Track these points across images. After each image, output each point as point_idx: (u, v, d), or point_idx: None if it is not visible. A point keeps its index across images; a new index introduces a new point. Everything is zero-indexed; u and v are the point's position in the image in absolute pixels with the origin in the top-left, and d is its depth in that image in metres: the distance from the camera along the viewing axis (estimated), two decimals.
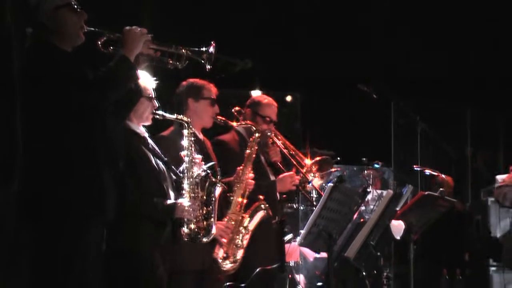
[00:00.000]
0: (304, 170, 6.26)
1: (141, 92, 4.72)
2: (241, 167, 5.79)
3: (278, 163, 6.29)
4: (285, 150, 6.29)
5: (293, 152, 6.34)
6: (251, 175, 5.80)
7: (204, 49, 4.81)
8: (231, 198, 5.74)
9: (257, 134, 5.91)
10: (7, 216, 3.77)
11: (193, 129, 5.23)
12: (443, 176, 8.65)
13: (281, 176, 6.10)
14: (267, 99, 6.32)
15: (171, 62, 4.71)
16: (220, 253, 5.60)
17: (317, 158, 6.43)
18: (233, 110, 6.26)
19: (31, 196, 4.06)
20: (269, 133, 6.19)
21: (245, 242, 5.71)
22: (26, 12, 4.23)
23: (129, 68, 4.36)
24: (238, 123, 6.02)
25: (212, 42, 4.82)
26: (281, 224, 6.00)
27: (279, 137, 6.36)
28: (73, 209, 4.14)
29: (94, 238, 4.26)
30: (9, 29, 3.44)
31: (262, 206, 5.79)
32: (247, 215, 5.76)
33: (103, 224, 4.36)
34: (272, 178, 6.23)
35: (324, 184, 6.36)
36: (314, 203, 7.04)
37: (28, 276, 4.05)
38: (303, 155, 6.44)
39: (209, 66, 4.85)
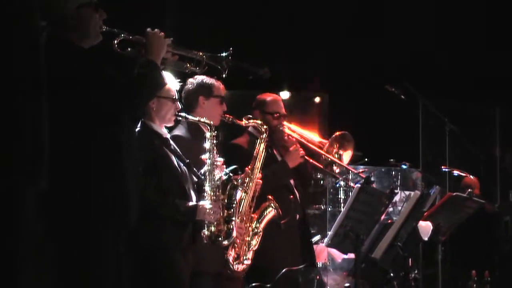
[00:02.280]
0: (324, 151, 6.20)
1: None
2: (249, 167, 5.74)
3: (306, 158, 6.26)
4: (303, 140, 6.25)
5: (309, 139, 6.30)
6: (259, 175, 5.76)
7: (223, 55, 4.79)
8: (243, 198, 5.66)
9: (264, 135, 5.83)
10: (32, 217, 3.80)
11: (216, 131, 5.21)
12: (470, 177, 8.61)
13: (287, 153, 6.06)
14: (270, 96, 6.27)
15: (189, 66, 4.68)
16: (231, 254, 5.57)
17: (335, 134, 6.35)
18: (249, 116, 6.22)
19: (54, 199, 4.01)
20: (281, 128, 6.16)
21: (254, 242, 5.68)
22: (41, 6, 4.22)
23: (159, 75, 4.32)
24: (246, 122, 5.93)
25: (230, 49, 4.79)
26: (303, 221, 6.02)
27: (293, 129, 6.31)
28: (95, 215, 4.11)
29: (116, 243, 4.22)
30: (38, 30, 3.45)
31: (272, 205, 5.75)
32: (256, 215, 5.72)
33: (125, 230, 4.31)
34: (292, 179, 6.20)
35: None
36: (342, 204, 7.06)
37: (52, 278, 4.02)
38: (323, 139, 6.42)
39: (225, 74, 4.82)
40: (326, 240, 5.91)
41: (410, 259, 5.93)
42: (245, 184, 5.66)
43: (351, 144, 6.34)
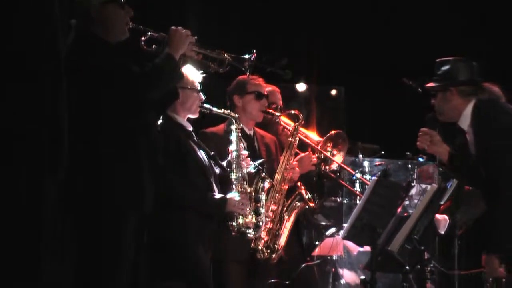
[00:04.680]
0: (319, 147, 6.23)
1: (178, 94, 4.74)
2: (283, 156, 5.81)
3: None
4: (300, 134, 6.26)
5: (304, 135, 6.31)
6: (295, 163, 5.80)
7: (246, 56, 4.89)
8: (271, 187, 5.73)
9: (298, 122, 5.90)
10: (52, 205, 3.85)
11: (241, 124, 5.31)
12: None
13: (298, 157, 6.08)
14: (269, 87, 6.29)
15: (212, 66, 4.81)
16: (260, 244, 5.63)
17: (331, 133, 6.38)
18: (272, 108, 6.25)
19: (72, 189, 4.13)
20: (277, 119, 6.17)
21: (285, 231, 5.74)
22: (71, 3, 4.29)
23: (175, 67, 4.44)
24: (283, 113, 6.04)
25: (254, 51, 4.90)
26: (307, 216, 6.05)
27: (290, 122, 6.30)
28: (110, 203, 4.21)
29: (130, 233, 4.30)
30: (56, 21, 3.50)
31: (303, 194, 5.82)
32: (287, 203, 5.79)
33: (142, 218, 4.40)
34: None
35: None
36: (359, 196, 7.05)
37: (70, 267, 4.14)
38: (320, 137, 6.43)
39: (248, 73, 4.96)
40: (342, 232, 5.96)
41: (426, 253, 5.88)
42: (277, 173, 5.73)
43: (345, 143, 6.36)
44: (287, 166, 5.80)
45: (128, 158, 4.28)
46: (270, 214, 5.67)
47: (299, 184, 5.87)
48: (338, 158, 6.29)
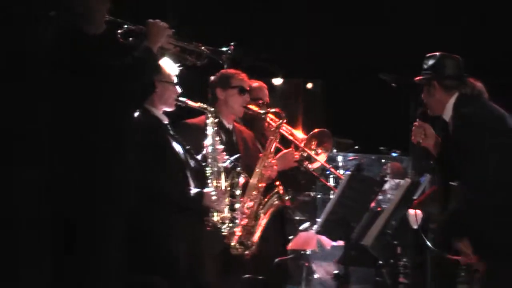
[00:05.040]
0: (302, 145, 6.25)
1: (155, 87, 4.73)
2: (263, 153, 5.83)
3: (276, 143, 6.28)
4: (282, 130, 6.28)
5: (289, 132, 6.33)
6: (274, 161, 5.82)
7: (224, 49, 4.89)
8: (249, 184, 5.74)
9: (282, 120, 5.92)
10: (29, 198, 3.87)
11: (217, 118, 5.32)
12: None
13: (281, 153, 6.08)
14: (256, 83, 6.33)
15: (190, 59, 4.81)
16: (234, 239, 5.62)
17: (314, 131, 6.41)
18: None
19: (51, 182, 4.14)
20: (263, 116, 6.17)
21: (259, 228, 5.75)
22: None
23: (153, 60, 4.45)
24: (267, 111, 6.04)
25: (231, 44, 4.91)
26: (282, 211, 6.06)
27: (276, 119, 6.33)
28: (88, 200, 4.21)
29: (111, 229, 4.32)
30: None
31: (279, 193, 5.83)
32: (265, 201, 5.79)
33: (122, 213, 4.41)
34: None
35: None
36: (332, 191, 7.07)
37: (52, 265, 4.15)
38: (304, 134, 6.45)
39: (225, 66, 5.00)
40: (316, 227, 5.96)
41: (399, 247, 5.96)
42: (255, 170, 5.74)
43: (330, 142, 6.40)
44: (266, 164, 5.79)
45: (109, 152, 4.29)
46: (246, 211, 5.67)
47: (277, 183, 5.86)
48: (322, 157, 6.31)
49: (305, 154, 6.21)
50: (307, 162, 6.25)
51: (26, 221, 3.96)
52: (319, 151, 6.35)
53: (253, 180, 5.76)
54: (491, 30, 9.65)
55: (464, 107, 5.23)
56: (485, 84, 5.64)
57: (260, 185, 5.78)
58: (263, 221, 5.77)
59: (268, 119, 6.15)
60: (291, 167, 6.14)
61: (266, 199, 5.81)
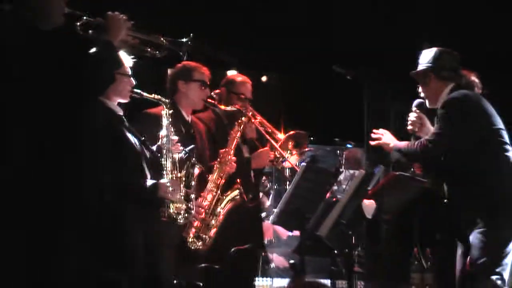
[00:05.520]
0: (278, 146, 6.33)
1: (113, 79, 4.68)
2: (224, 150, 5.89)
3: (254, 140, 6.36)
4: (261, 128, 6.35)
5: (270, 130, 6.40)
6: (233, 158, 5.89)
7: (184, 40, 4.93)
8: (208, 179, 5.82)
9: (243, 118, 6.02)
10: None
11: (171, 110, 5.31)
12: None
13: (256, 152, 6.17)
14: (241, 77, 6.44)
15: (149, 50, 4.83)
16: (191, 232, 5.70)
17: (291, 133, 6.51)
18: (212, 93, 6.29)
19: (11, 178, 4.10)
20: (243, 110, 6.23)
21: (217, 223, 5.81)
22: None
23: (115, 54, 4.46)
24: (226, 107, 6.09)
25: (191, 34, 4.93)
26: (257, 205, 6.10)
27: (255, 115, 6.44)
28: (60, 191, 4.21)
29: (75, 223, 4.32)
30: None
31: (238, 190, 5.90)
32: (224, 197, 5.86)
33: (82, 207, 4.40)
34: (247, 155, 6.33)
35: (298, 164, 6.43)
36: (288, 182, 7.13)
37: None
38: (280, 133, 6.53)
39: (184, 58, 5.03)
40: (272, 217, 6.00)
41: (354, 237, 5.97)
42: (215, 166, 5.80)
43: (306, 141, 6.57)
44: (226, 160, 5.86)
45: (67, 145, 4.27)
46: (204, 205, 5.73)
47: (238, 180, 5.92)
48: (294, 159, 6.42)
49: (278, 154, 6.30)
50: (280, 162, 6.39)
51: None
52: (294, 152, 6.47)
53: (212, 176, 5.82)
54: None
55: (453, 94, 5.59)
56: None
57: (219, 181, 5.83)
58: (220, 217, 5.83)
59: (249, 112, 6.26)
60: (265, 166, 6.30)
61: (225, 195, 5.87)
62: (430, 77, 5.72)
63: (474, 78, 5.92)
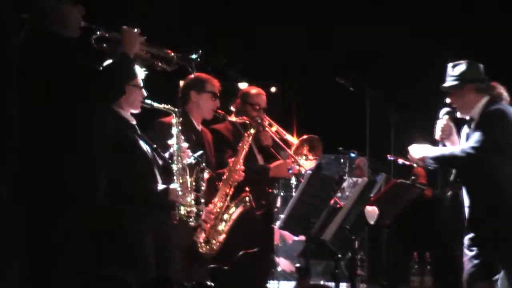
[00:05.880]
0: (292, 151, 6.49)
1: (125, 90, 4.72)
2: (233, 159, 6.03)
3: (270, 147, 6.56)
4: (276, 136, 6.56)
5: (284, 137, 6.60)
6: (242, 167, 6.03)
7: (193, 56, 5.04)
8: (219, 187, 5.96)
9: (252, 130, 6.18)
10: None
11: (181, 118, 5.43)
12: (417, 167, 8.83)
13: (277, 162, 6.38)
14: (255, 89, 6.66)
15: (160, 64, 4.94)
16: (201, 237, 5.80)
17: (304, 137, 6.67)
18: (231, 107, 6.52)
19: (26, 181, 4.21)
20: (258, 120, 6.44)
21: (226, 229, 5.92)
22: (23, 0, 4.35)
23: (132, 66, 4.59)
24: (236, 118, 6.29)
25: (200, 51, 5.05)
26: (267, 213, 6.31)
27: (272, 123, 6.65)
28: (64, 196, 4.29)
29: (81, 224, 4.38)
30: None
31: (247, 198, 6.01)
32: (233, 205, 5.99)
33: (93, 209, 4.46)
34: (261, 163, 6.51)
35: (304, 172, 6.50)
36: (294, 188, 7.26)
37: (23, 260, 4.19)
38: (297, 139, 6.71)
39: (193, 73, 5.12)
40: (278, 223, 6.06)
41: (356, 241, 6.03)
42: (225, 174, 5.92)
43: (320, 145, 6.68)
44: (233, 169, 6.02)
45: (83, 153, 4.37)
46: (215, 211, 5.88)
47: (247, 188, 6.05)
48: (310, 164, 6.59)
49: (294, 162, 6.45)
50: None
51: None
52: (310, 156, 6.66)
53: (222, 184, 5.98)
54: None
55: (493, 106, 5.79)
56: None
57: (228, 189, 6.00)
58: (230, 223, 5.96)
59: (265, 122, 6.48)
60: (284, 176, 6.50)
61: (234, 203, 6.01)
62: (467, 89, 5.90)
63: (502, 91, 6.10)
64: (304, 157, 6.64)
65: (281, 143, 6.60)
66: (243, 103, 6.60)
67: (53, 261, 4.25)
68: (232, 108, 6.52)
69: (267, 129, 6.58)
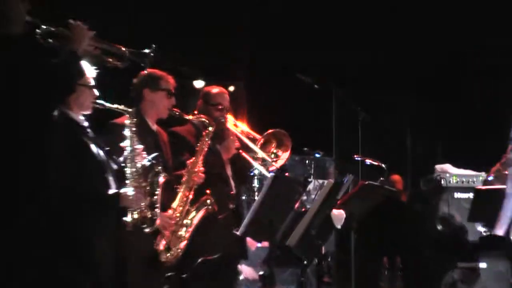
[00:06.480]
0: (259, 148, 6.37)
1: (73, 89, 4.62)
2: (191, 160, 5.86)
3: (240, 152, 6.36)
4: (242, 136, 6.40)
5: (252, 137, 6.44)
6: (202, 169, 5.86)
7: (146, 51, 4.87)
8: (178, 190, 5.79)
9: (210, 128, 6.00)
10: None
11: (134, 119, 5.26)
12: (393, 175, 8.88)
13: (222, 144, 6.23)
14: (217, 89, 6.45)
15: (111, 61, 4.77)
16: (161, 244, 5.62)
17: (269, 131, 6.51)
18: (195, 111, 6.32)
19: None
20: (222, 120, 6.28)
21: (187, 235, 5.77)
22: None
23: (78, 63, 4.42)
24: (193, 117, 6.08)
25: (153, 46, 4.88)
26: (234, 214, 6.13)
27: (235, 124, 6.50)
28: (14, 197, 4.19)
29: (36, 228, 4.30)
30: None
31: (208, 201, 5.85)
32: (193, 209, 5.82)
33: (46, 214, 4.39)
34: (229, 169, 6.35)
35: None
36: (257, 192, 7.14)
37: None
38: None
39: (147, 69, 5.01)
40: (240, 228, 5.97)
41: (323, 247, 5.99)
42: (184, 177, 5.78)
43: (288, 140, 6.52)
44: (192, 171, 5.84)
45: (28, 153, 4.25)
46: (174, 216, 5.71)
47: (208, 191, 5.90)
48: (284, 157, 6.45)
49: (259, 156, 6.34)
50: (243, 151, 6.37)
51: None
52: (280, 153, 6.49)
53: (181, 187, 5.81)
54: None
55: None
56: None
57: (187, 192, 5.82)
58: (191, 228, 5.80)
59: (230, 124, 6.32)
60: (233, 154, 6.26)
61: (195, 207, 5.84)
62: None
63: None
64: (273, 155, 6.46)
65: (248, 142, 6.43)
66: (204, 103, 6.41)
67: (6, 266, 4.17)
68: (195, 112, 6.30)
69: (229, 128, 6.38)
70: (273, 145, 6.53)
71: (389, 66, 10.22)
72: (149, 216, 5.16)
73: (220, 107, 6.35)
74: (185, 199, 5.81)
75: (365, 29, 10.14)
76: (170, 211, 5.72)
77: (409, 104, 11.31)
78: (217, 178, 6.19)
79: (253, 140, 6.48)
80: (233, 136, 6.34)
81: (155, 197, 5.25)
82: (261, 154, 6.37)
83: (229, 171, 6.36)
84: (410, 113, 11.37)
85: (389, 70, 10.22)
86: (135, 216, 5.08)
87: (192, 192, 5.84)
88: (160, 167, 5.31)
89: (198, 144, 5.97)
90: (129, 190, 5.04)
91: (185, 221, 5.81)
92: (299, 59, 9.74)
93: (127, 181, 5.10)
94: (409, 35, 10.16)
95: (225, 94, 6.46)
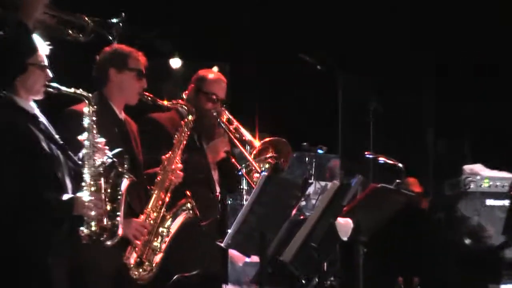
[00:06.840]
0: (252, 156, 6.48)
1: (24, 69, 4.63)
2: (167, 156, 5.89)
3: (230, 155, 6.50)
4: (234, 136, 6.50)
5: (245, 138, 6.55)
6: (180, 165, 5.89)
7: (113, 21, 4.92)
8: (152, 192, 5.81)
9: (190, 117, 6.03)
10: None
11: (95, 106, 5.21)
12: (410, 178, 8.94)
13: (211, 143, 6.33)
14: (213, 74, 6.56)
15: (71, 33, 4.78)
16: (132, 257, 5.66)
17: (266, 139, 6.63)
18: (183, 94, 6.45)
19: None
20: (214, 113, 6.35)
21: (163, 246, 5.81)
22: None
23: (29, 37, 4.37)
24: (169, 103, 6.09)
25: (122, 14, 4.91)
26: (219, 223, 6.31)
27: (232, 120, 6.57)
28: None
29: None
30: None
31: (188, 205, 5.89)
32: (170, 215, 5.86)
33: None
34: (216, 174, 6.46)
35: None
36: (245, 196, 7.14)
37: None
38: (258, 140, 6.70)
39: (115, 42, 5.04)
40: (225, 239, 5.90)
41: (325, 263, 6.14)
42: (158, 176, 5.83)
43: (288, 149, 6.68)
44: (169, 169, 5.88)
45: None
46: (148, 224, 5.73)
47: (188, 193, 5.94)
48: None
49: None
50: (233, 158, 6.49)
51: None
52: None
53: (155, 188, 5.83)
54: None
55: None
56: None
57: (163, 194, 5.85)
58: (167, 238, 5.84)
59: (222, 117, 6.42)
60: (221, 158, 6.40)
61: (171, 212, 5.88)
62: None
63: None
64: (267, 164, 6.59)
65: (239, 146, 6.54)
66: (196, 90, 6.49)
67: None
68: (184, 96, 6.41)
69: (223, 125, 6.48)
70: (270, 152, 6.63)
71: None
72: (109, 226, 5.08)
73: (214, 97, 6.41)
74: (160, 202, 5.83)
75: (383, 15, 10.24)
76: (142, 217, 5.72)
77: (429, 95, 11.41)
78: (199, 182, 6.27)
79: (244, 143, 6.57)
80: (224, 136, 6.39)
81: (116, 202, 5.16)
82: (253, 164, 6.45)
83: (215, 176, 6.46)
84: (431, 106, 11.46)
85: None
86: (93, 226, 5.00)
87: (168, 195, 5.86)
88: (125, 166, 5.25)
89: (176, 136, 5.99)
90: (85, 195, 4.98)
91: (160, 230, 5.82)
92: (299, 40, 9.81)
93: (83, 183, 5.03)
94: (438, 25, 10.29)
95: (223, 83, 6.54)
